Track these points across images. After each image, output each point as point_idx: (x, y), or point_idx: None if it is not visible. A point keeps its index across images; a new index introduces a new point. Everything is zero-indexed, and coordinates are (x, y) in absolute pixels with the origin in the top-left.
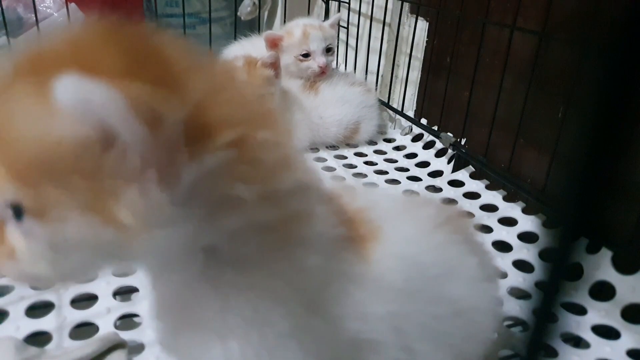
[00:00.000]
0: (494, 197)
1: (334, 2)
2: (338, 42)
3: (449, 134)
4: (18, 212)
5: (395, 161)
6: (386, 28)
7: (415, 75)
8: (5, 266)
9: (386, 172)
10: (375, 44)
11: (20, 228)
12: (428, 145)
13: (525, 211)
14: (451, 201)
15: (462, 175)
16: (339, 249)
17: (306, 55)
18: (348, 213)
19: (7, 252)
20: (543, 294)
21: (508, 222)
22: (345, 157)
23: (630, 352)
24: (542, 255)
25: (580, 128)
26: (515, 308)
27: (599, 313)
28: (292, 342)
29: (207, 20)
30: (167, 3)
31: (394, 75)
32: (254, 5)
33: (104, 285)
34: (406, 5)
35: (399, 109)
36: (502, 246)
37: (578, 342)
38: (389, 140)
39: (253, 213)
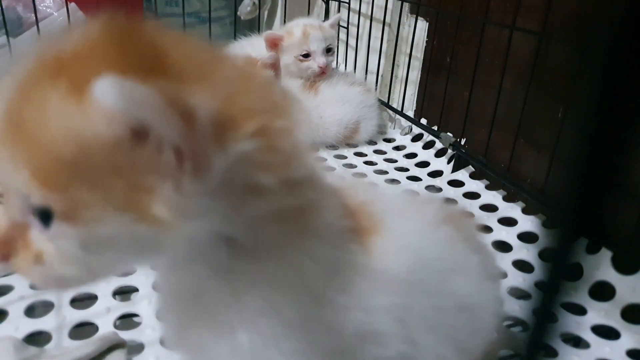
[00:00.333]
0: (493, 197)
1: (334, 2)
2: (338, 42)
3: (448, 134)
4: (45, 216)
5: (395, 161)
6: (386, 28)
7: (415, 75)
8: (32, 272)
9: (386, 172)
10: (375, 43)
11: (48, 232)
12: (428, 145)
13: (525, 211)
14: (451, 201)
15: (462, 175)
16: (345, 240)
17: (306, 56)
18: (352, 206)
19: (34, 257)
20: (543, 294)
21: (508, 222)
22: (345, 157)
23: (630, 353)
24: (542, 255)
25: (580, 128)
26: (515, 308)
27: (598, 313)
28: (299, 332)
29: (206, 19)
30: (167, 3)
31: (393, 75)
32: (254, 5)
33: (103, 285)
34: (406, 5)
35: (399, 108)
36: (502, 246)
37: (578, 342)
38: (388, 140)
39: (274, 201)
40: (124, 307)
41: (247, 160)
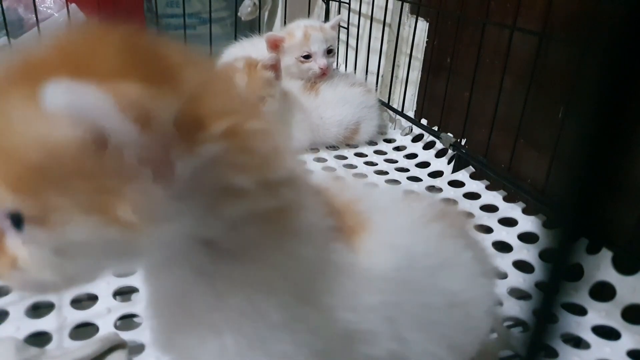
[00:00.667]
0: (494, 197)
1: (334, 2)
2: (338, 43)
3: (449, 134)
4: (17, 221)
5: (396, 161)
6: (386, 28)
7: (416, 75)
8: (9, 277)
9: (386, 173)
10: (375, 44)
11: (21, 236)
12: (428, 146)
13: (525, 211)
14: (451, 201)
15: (462, 175)
16: (329, 239)
17: (307, 57)
18: (337, 204)
19: (9, 262)
20: (543, 294)
21: (508, 222)
22: (346, 158)
23: (630, 353)
24: (542, 255)
25: (580, 128)
26: (516, 308)
27: (599, 313)
28: (284, 333)
29: (207, 20)
30: (167, 3)
31: (394, 75)
32: (254, 5)
33: (104, 286)
34: (406, 6)
35: (399, 109)
36: (502, 246)
37: (578, 343)
38: (389, 141)
39: (251, 203)
40: (124, 308)
41: (218, 162)
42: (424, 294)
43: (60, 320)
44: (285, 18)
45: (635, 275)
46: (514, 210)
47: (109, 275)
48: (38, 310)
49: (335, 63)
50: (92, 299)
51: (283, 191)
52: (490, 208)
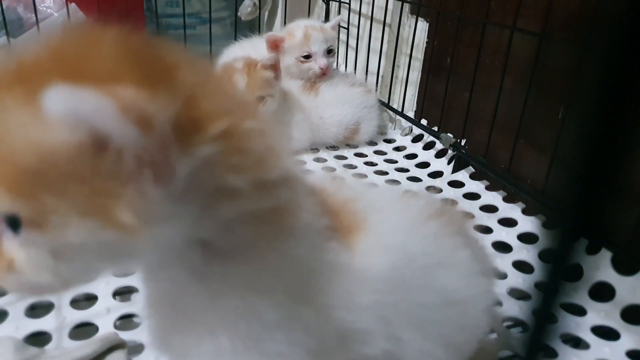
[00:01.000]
0: (494, 197)
1: (334, 2)
2: (338, 43)
3: (449, 134)
4: (15, 223)
5: (396, 162)
6: (386, 29)
7: (416, 75)
8: (6, 279)
9: (386, 173)
10: (375, 44)
11: (18, 239)
12: (428, 146)
13: (525, 212)
14: (451, 202)
15: (462, 175)
16: (324, 239)
17: (307, 57)
18: (333, 204)
19: (6, 265)
20: (543, 294)
21: (508, 222)
22: (346, 158)
23: (629, 353)
24: (542, 256)
25: (580, 129)
26: (515, 309)
27: (598, 314)
28: (279, 333)
29: (207, 20)
30: (167, 3)
31: (394, 75)
32: (254, 5)
33: (103, 286)
34: (406, 6)
35: (399, 109)
36: (502, 247)
37: (578, 343)
38: (389, 141)
39: (247, 203)
40: (124, 308)
41: (214, 163)
42: (420, 294)
43: (59, 320)
44: (285, 18)
45: (635, 276)
46: (513, 210)
47: (108, 275)
48: (37, 310)
49: (335, 63)
50: (92, 298)
51: (278, 191)
52: (490, 208)
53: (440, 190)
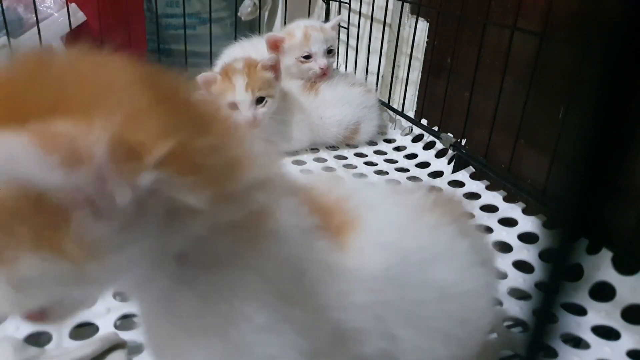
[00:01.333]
0: (494, 197)
1: (334, 2)
2: (338, 43)
3: (449, 134)
4: None
5: (396, 162)
6: (386, 28)
7: (416, 75)
8: None
9: (386, 173)
10: (375, 44)
11: None
12: (428, 146)
13: (525, 212)
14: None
15: (463, 175)
16: (312, 238)
17: (307, 57)
18: (323, 203)
19: None
20: (543, 294)
21: (508, 222)
22: (346, 158)
23: (630, 353)
24: (542, 255)
25: (580, 129)
26: (515, 309)
27: (599, 314)
28: (270, 336)
29: (207, 20)
30: (167, 3)
31: (394, 75)
32: (254, 5)
33: None
34: (407, 6)
35: (399, 109)
36: (503, 247)
37: (578, 343)
38: (389, 141)
39: (212, 217)
40: (124, 308)
41: (165, 186)
42: (415, 291)
43: None
44: (285, 18)
45: (635, 276)
46: (514, 210)
47: None
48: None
49: (335, 63)
50: None
51: (251, 197)
52: (490, 208)
53: (441, 190)
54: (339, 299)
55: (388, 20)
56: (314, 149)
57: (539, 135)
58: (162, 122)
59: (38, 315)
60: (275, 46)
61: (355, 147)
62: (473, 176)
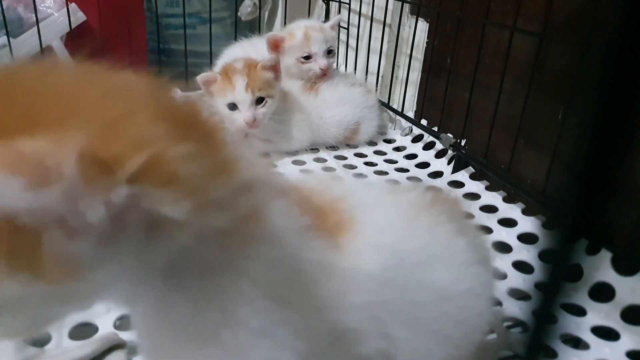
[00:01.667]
0: (494, 198)
1: (334, 2)
2: (338, 43)
3: (449, 134)
4: None
5: (395, 162)
6: (386, 29)
7: (416, 76)
8: None
9: (386, 173)
10: (375, 44)
11: None
12: (428, 146)
13: (525, 212)
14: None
15: (462, 176)
16: (305, 239)
17: (307, 57)
18: (318, 204)
19: None
20: (543, 295)
21: (508, 223)
22: (345, 158)
23: (629, 354)
24: (542, 256)
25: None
26: (515, 309)
27: (598, 314)
28: (265, 340)
29: (207, 20)
30: (167, 3)
31: (394, 76)
32: (255, 5)
33: None
34: (406, 6)
35: (399, 109)
36: (502, 247)
37: (577, 343)
38: (389, 141)
39: (197, 226)
40: (123, 308)
41: (141, 199)
42: (412, 291)
43: None
44: (285, 18)
45: (635, 276)
46: (513, 210)
47: None
48: None
49: (335, 63)
50: None
51: (235, 203)
52: (490, 209)
53: (438, 190)
54: (335, 300)
55: (388, 20)
56: (314, 149)
57: (539, 136)
58: (136, 133)
59: None
60: (275, 46)
61: (355, 147)
62: (473, 176)
